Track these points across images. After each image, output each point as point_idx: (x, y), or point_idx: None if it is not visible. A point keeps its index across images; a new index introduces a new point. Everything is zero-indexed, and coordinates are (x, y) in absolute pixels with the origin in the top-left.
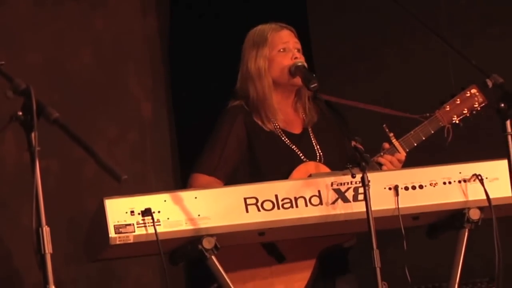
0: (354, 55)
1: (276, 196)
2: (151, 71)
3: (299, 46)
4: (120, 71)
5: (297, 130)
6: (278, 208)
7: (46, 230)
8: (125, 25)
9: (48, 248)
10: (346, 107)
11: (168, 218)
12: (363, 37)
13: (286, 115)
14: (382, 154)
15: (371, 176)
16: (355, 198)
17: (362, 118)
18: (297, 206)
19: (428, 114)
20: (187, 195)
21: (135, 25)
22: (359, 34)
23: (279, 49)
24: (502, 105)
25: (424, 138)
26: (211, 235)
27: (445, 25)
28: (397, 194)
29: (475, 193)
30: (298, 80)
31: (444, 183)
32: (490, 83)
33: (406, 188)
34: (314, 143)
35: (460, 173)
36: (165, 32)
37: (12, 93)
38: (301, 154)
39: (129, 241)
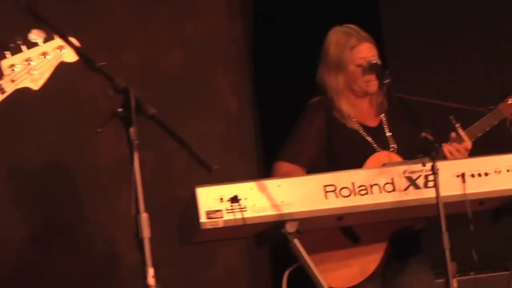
0: (424, 52)
1: (353, 184)
2: (237, 70)
3: (376, 56)
4: (208, 70)
5: (372, 123)
6: (355, 194)
7: (144, 216)
8: (212, 28)
9: (146, 232)
10: (416, 101)
11: (254, 205)
12: (434, 35)
13: (361, 109)
14: (450, 143)
15: (440, 164)
16: (426, 185)
17: (430, 111)
18: (372, 193)
19: (491, 107)
20: (271, 183)
21: (222, 27)
22: (430, 32)
23: (357, 64)
24: None
25: (487, 129)
26: (294, 220)
27: None
28: (464, 181)
29: None
30: (371, 79)
31: (508, 170)
32: None
33: (473, 176)
34: (387, 135)
35: None
36: (250, 33)
37: (113, 91)
38: (375, 145)
39: (218, 226)
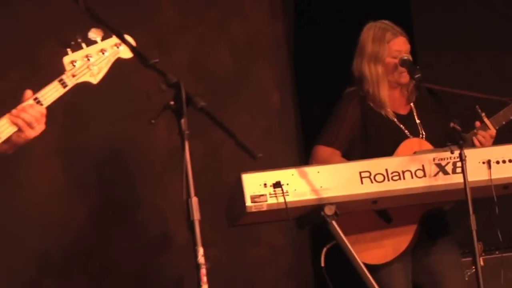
0: (453, 45)
1: (386, 170)
2: (279, 66)
3: (409, 49)
4: (252, 67)
5: (403, 111)
6: (388, 180)
7: (194, 200)
8: (256, 28)
9: (196, 215)
10: (445, 92)
11: (295, 189)
12: (461, 29)
13: (393, 98)
14: (475, 131)
15: (467, 152)
16: (454, 171)
17: (457, 100)
18: (404, 178)
19: None
20: (311, 170)
21: (265, 28)
22: (458, 26)
23: (392, 56)
24: None
25: (511, 117)
26: (332, 204)
27: None
28: (489, 167)
29: None
30: (404, 71)
31: None
32: None
33: (497, 162)
34: (418, 123)
35: None
36: (290, 32)
37: (165, 86)
38: (407, 132)
39: (262, 209)
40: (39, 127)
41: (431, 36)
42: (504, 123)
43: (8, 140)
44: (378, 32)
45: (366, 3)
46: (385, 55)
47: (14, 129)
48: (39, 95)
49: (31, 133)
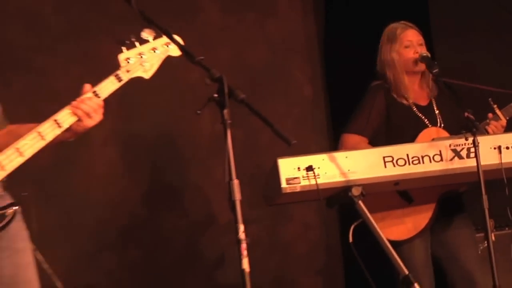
0: (467, 39)
1: (407, 155)
2: (311, 62)
3: (421, 41)
4: (287, 63)
5: (423, 102)
6: (409, 164)
7: (235, 182)
8: (290, 27)
9: (237, 196)
10: (459, 85)
11: (325, 173)
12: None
13: (414, 90)
14: (488, 121)
15: (480, 139)
16: (468, 156)
17: (472, 93)
18: (423, 162)
19: None
20: (339, 155)
21: (298, 26)
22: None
23: (405, 46)
24: None
25: None
26: (358, 185)
27: None
28: (500, 152)
29: None
30: (422, 66)
31: None
32: None
33: (507, 148)
34: (436, 113)
35: None
36: (321, 30)
37: (210, 80)
38: (426, 121)
39: (296, 190)
40: (97, 117)
41: (447, 30)
42: None
43: (69, 129)
44: (391, 30)
45: (390, 4)
46: (399, 47)
47: (75, 119)
48: (97, 88)
49: (89, 123)
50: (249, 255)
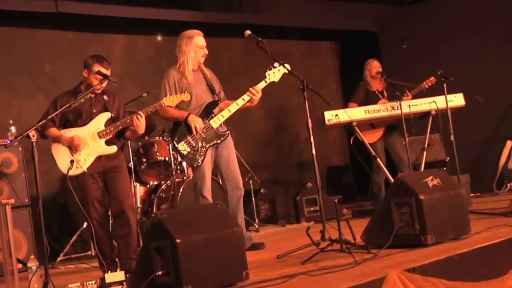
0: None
1: (374, 109)
2: (336, 69)
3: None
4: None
5: (380, 89)
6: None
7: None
8: (324, 63)
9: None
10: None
11: (342, 116)
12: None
13: (376, 84)
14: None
15: (402, 102)
16: (398, 108)
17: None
18: (380, 112)
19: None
20: (348, 110)
21: (330, 62)
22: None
23: (369, 70)
24: None
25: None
26: (355, 122)
27: None
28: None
29: None
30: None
31: None
32: None
33: (411, 106)
34: (385, 95)
35: None
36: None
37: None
38: (380, 97)
39: (335, 123)
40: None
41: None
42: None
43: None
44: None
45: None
46: (366, 69)
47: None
48: (258, 85)
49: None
50: None
